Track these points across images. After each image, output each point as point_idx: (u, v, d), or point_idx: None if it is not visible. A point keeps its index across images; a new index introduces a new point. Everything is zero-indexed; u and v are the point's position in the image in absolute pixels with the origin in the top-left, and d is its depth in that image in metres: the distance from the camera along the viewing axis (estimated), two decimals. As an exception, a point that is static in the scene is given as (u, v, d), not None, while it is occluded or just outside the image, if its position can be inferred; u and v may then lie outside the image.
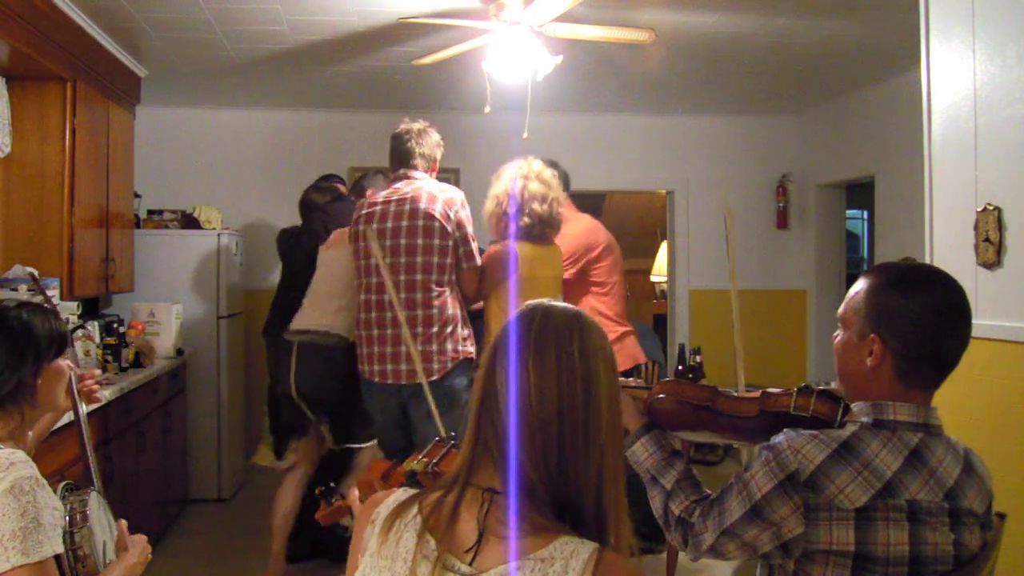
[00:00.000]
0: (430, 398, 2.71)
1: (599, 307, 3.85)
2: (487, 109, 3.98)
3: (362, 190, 3.73)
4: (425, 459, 1.52)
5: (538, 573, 1.00)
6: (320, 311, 3.52)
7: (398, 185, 3.21)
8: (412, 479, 1.47)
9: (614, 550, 1.07)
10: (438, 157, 3.34)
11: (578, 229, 3.83)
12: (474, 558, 1.04)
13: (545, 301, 1.18)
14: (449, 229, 3.10)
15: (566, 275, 3.74)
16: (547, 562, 1.01)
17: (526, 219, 3.17)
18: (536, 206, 3.18)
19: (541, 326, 1.12)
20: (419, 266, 3.05)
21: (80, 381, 1.90)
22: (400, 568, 1.06)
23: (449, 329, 3.07)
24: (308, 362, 3.50)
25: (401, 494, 1.15)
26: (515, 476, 1.07)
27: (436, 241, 3.07)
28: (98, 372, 2.05)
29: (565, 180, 3.87)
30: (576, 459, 1.07)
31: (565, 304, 1.18)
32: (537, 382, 1.07)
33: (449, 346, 3.06)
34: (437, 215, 3.07)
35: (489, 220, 3.32)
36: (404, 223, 3.08)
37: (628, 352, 3.87)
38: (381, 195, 3.23)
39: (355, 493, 1.62)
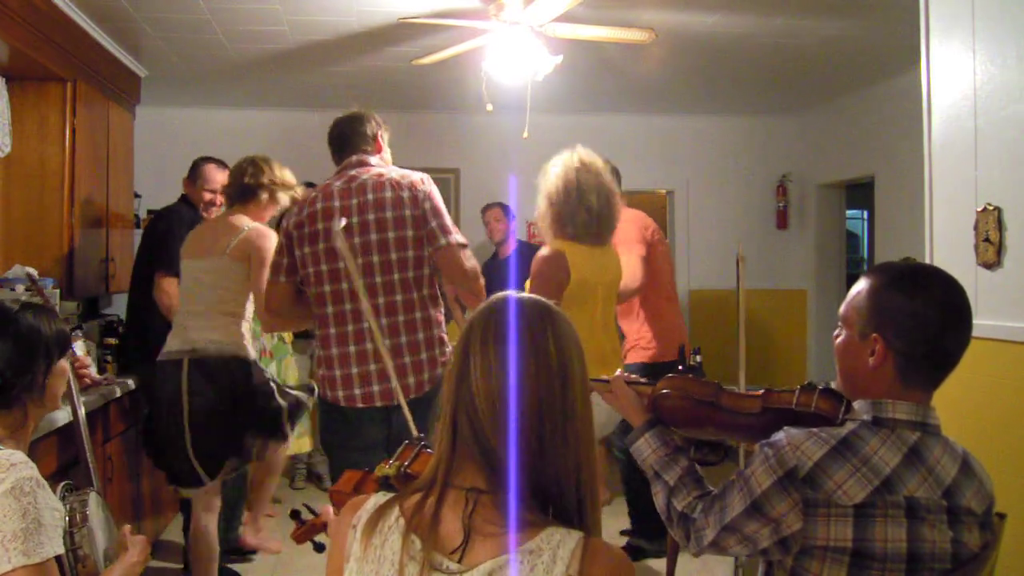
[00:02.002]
0: (406, 410, 2.34)
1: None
2: (489, 107, 3.95)
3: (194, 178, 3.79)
4: (397, 463, 1.50)
5: (527, 565, 1.01)
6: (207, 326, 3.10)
7: (353, 172, 2.67)
8: (385, 484, 1.45)
9: (596, 535, 1.08)
10: (384, 140, 2.86)
11: (633, 214, 3.87)
12: (462, 557, 1.04)
13: (510, 293, 1.16)
14: (424, 214, 2.58)
15: (642, 252, 3.72)
16: (535, 554, 1.02)
17: (583, 215, 2.85)
18: (593, 199, 2.85)
19: (513, 316, 1.11)
20: (395, 264, 2.55)
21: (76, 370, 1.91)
22: (387, 571, 1.05)
23: (435, 332, 2.62)
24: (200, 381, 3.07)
25: (380, 497, 1.14)
26: (515, 470, 1.07)
27: (409, 232, 2.56)
28: (88, 359, 2.05)
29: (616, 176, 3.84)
30: (556, 450, 1.08)
31: (531, 295, 1.17)
32: (512, 377, 1.07)
33: (437, 351, 2.61)
34: (406, 200, 2.57)
35: (541, 224, 3.00)
36: (371, 216, 2.56)
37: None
38: (336, 184, 2.65)
39: (329, 508, 1.61)
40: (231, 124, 5.85)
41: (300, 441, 4.55)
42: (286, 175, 3.28)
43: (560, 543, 1.02)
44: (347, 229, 2.52)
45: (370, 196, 2.59)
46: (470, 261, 2.63)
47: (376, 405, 2.56)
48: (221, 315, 3.10)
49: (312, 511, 1.70)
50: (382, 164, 2.75)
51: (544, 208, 2.95)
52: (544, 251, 2.91)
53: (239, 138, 5.83)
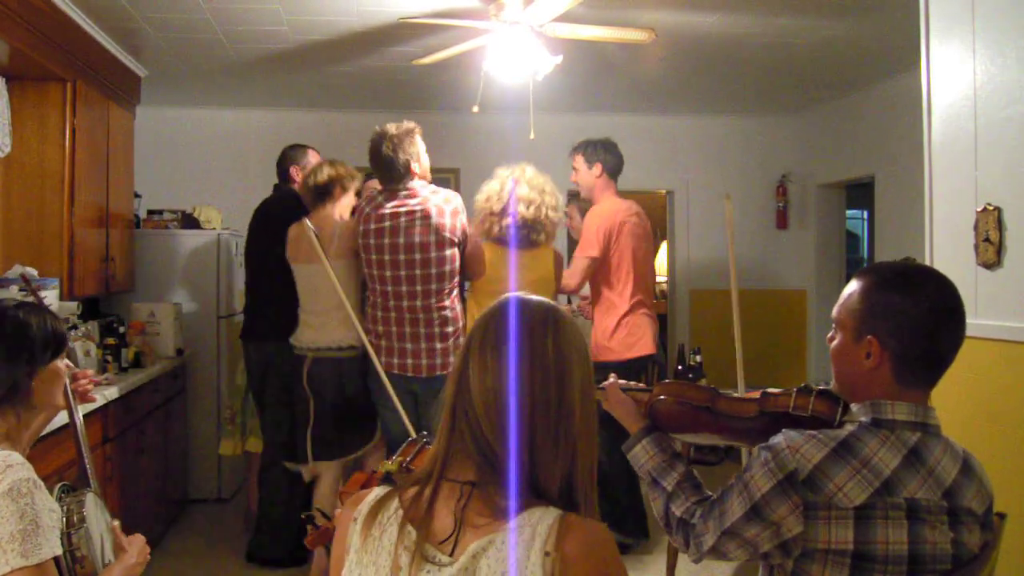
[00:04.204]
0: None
1: (607, 292, 3.98)
2: (475, 108, 4.04)
3: (286, 170, 4.04)
4: (399, 458, 1.54)
5: (509, 543, 1.05)
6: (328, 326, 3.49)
7: (403, 198, 3.30)
8: (388, 480, 1.48)
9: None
10: (423, 156, 3.37)
11: (604, 209, 3.99)
12: (453, 548, 1.07)
13: (521, 294, 1.19)
14: (457, 239, 3.32)
15: (594, 253, 3.91)
16: (517, 532, 1.05)
17: (507, 221, 3.38)
18: (523, 209, 3.36)
19: (515, 319, 1.13)
20: (434, 276, 3.27)
21: (74, 381, 1.89)
22: (384, 560, 1.09)
23: (459, 327, 3.35)
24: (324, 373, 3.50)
25: (380, 491, 1.17)
26: (515, 460, 1.09)
27: (448, 252, 3.28)
28: (91, 372, 2.04)
29: (616, 163, 4.08)
30: (546, 450, 1.10)
31: (540, 298, 1.19)
32: (509, 376, 1.10)
33: (450, 343, 3.34)
34: (447, 231, 3.27)
35: (476, 216, 3.51)
36: (416, 239, 3.24)
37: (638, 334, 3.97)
38: (387, 207, 3.29)
39: (340, 512, 1.62)
40: (231, 124, 5.85)
41: None
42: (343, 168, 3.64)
43: (540, 520, 1.05)
44: (393, 248, 3.25)
45: (417, 239, 3.24)
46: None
47: (408, 375, 3.32)
48: (337, 312, 3.42)
49: (325, 516, 1.71)
50: (424, 187, 3.34)
51: (481, 203, 3.50)
52: (477, 241, 3.47)
53: (239, 138, 5.85)
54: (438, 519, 1.10)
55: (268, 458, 3.90)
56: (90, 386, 2.00)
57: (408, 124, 3.33)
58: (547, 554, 1.03)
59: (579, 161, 4.10)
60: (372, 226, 3.30)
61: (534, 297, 1.19)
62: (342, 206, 3.56)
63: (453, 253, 3.31)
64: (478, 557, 1.05)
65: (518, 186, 3.39)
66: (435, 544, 1.08)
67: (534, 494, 1.09)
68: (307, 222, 3.42)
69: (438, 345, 3.31)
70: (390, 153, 3.26)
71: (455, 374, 1.15)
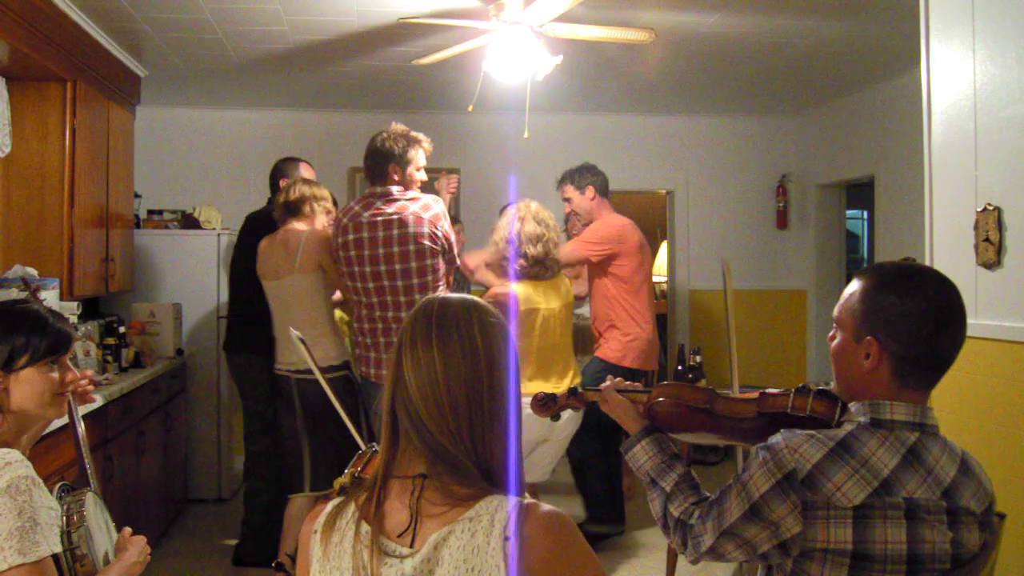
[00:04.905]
0: None
1: (621, 300, 4.04)
2: (470, 108, 4.06)
3: (278, 183, 3.92)
4: (351, 470, 1.59)
5: (468, 532, 1.09)
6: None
7: (380, 206, 3.19)
8: (343, 493, 1.50)
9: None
10: (416, 161, 3.27)
11: (609, 223, 4.09)
12: (413, 540, 1.12)
13: (440, 293, 1.27)
14: (438, 247, 3.20)
15: (593, 257, 4.02)
16: (475, 520, 1.10)
17: (522, 262, 3.33)
18: (530, 248, 3.32)
19: (440, 315, 1.19)
20: (415, 287, 3.17)
21: (75, 383, 1.86)
22: (347, 563, 1.14)
23: None
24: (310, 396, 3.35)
25: (335, 501, 1.22)
26: (461, 444, 1.14)
27: (428, 262, 3.17)
28: (91, 372, 2.02)
29: (603, 183, 4.20)
30: (488, 430, 1.16)
31: (460, 294, 1.26)
32: (443, 367, 1.15)
33: None
34: (426, 239, 3.16)
35: (492, 261, 3.50)
36: (395, 249, 3.14)
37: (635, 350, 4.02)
38: (365, 216, 3.18)
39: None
40: (231, 124, 5.85)
41: None
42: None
43: (498, 507, 1.10)
44: (373, 259, 3.16)
45: (395, 249, 3.14)
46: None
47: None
48: (311, 331, 3.24)
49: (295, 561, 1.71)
50: (403, 193, 3.22)
51: (492, 251, 3.46)
52: (494, 290, 3.39)
53: (239, 138, 5.85)
54: (393, 514, 1.15)
55: (249, 466, 3.92)
56: (90, 387, 1.99)
57: (419, 135, 3.27)
58: (507, 539, 1.07)
59: (570, 190, 4.21)
60: (350, 237, 3.19)
61: (454, 295, 1.24)
62: (313, 225, 3.47)
63: (434, 263, 3.19)
64: (440, 547, 1.09)
65: (526, 224, 3.35)
66: (393, 538, 1.13)
67: (484, 475, 1.14)
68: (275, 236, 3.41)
69: None
70: (389, 145, 3.20)
71: (390, 375, 1.20)
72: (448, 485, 1.13)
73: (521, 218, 3.37)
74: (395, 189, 3.21)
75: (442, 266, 3.25)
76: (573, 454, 4.03)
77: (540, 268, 3.36)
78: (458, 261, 3.36)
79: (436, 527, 1.11)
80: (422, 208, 3.19)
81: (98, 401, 3.19)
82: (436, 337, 1.16)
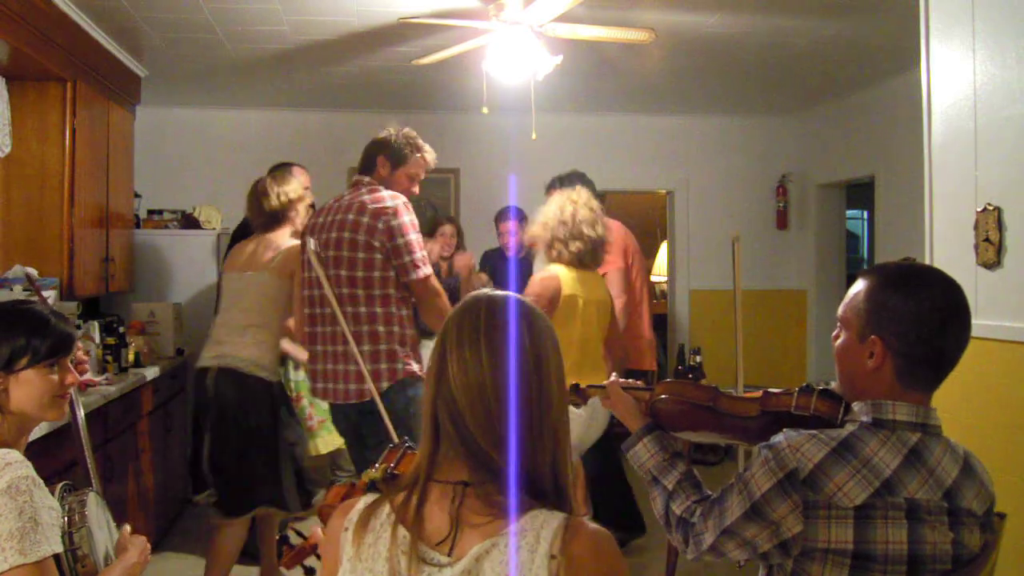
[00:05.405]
0: (383, 410, 2.74)
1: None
2: (484, 109, 4.02)
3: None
4: (383, 465, 1.52)
5: (512, 547, 1.05)
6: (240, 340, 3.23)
7: (345, 193, 3.06)
8: (373, 488, 1.46)
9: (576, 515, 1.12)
10: (409, 164, 3.07)
11: (615, 226, 4.01)
12: (452, 549, 1.07)
13: (487, 291, 1.21)
14: (376, 243, 2.85)
15: (624, 265, 4.02)
16: (520, 535, 1.05)
17: (579, 244, 3.21)
18: (589, 231, 3.24)
19: (489, 315, 1.14)
20: (360, 281, 2.88)
21: (75, 384, 1.84)
22: (381, 567, 1.08)
23: (386, 347, 2.87)
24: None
25: (368, 498, 1.16)
26: (515, 458, 1.10)
27: (361, 255, 2.87)
28: (85, 356, 1.99)
29: (593, 187, 4.10)
30: (534, 440, 1.11)
31: (507, 292, 1.20)
32: (492, 372, 1.10)
33: (384, 366, 2.86)
34: (361, 228, 2.86)
35: (536, 244, 3.40)
36: (335, 235, 2.91)
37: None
38: (329, 208, 3.05)
39: (318, 530, 1.61)
40: (231, 124, 5.85)
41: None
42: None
43: (544, 524, 1.06)
44: (325, 244, 2.91)
45: (335, 235, 2.91)
46: (434, 287, 2.96)
47: (338, 402, 2.96)
48: (257, 332, 3.21)
49: (301, 534, 1.68)
50: (369, 185, 2.99)
51: (538, 232, 3.30)
52: (539, 275, 3.26)
53: (239, 138, 5.85)
54: (431, 520, 1.10)
55: None
56: (85, 367, 1.95)
57: (426, 145, 3.12)
58: (552, 557, 1.03)
59: None
60: (314, 235, 3.00)
61: (500, 292, 1.20)
62: (296, 226, 3.37)
63: (368, 258, 2.86)
64: (481, 560, 1.05)
65: (579, 208, 3.29)
66: (431, 546, 1.08)
67: (528, 489, 1.10)
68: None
69: (368, 366, 2.83)
70: (388, 137, 3.06)
71: (431, 374, 1.15)
72: (492, 495, 1.09)
73: (574, 201, 3.32)
74: (367, 179, 3.01)
75: (378, 265, 2.87)
76: (589, 470, 3.88)
77: (594, 253, 3.30)
78: (419, 271, 2.90)
79: (478, 538, 1.07)
80: (372, 199, 2.91)
81: (98, 401, 3.19)
82: (485, 338, 1.11)
